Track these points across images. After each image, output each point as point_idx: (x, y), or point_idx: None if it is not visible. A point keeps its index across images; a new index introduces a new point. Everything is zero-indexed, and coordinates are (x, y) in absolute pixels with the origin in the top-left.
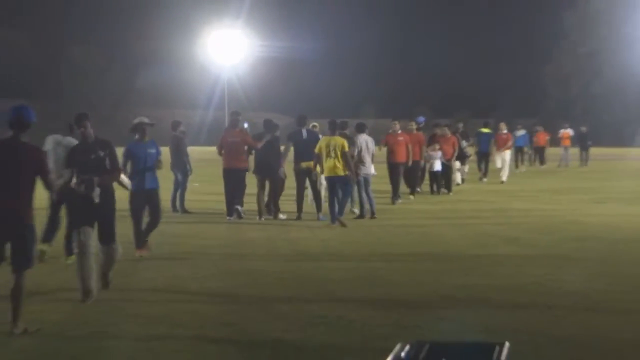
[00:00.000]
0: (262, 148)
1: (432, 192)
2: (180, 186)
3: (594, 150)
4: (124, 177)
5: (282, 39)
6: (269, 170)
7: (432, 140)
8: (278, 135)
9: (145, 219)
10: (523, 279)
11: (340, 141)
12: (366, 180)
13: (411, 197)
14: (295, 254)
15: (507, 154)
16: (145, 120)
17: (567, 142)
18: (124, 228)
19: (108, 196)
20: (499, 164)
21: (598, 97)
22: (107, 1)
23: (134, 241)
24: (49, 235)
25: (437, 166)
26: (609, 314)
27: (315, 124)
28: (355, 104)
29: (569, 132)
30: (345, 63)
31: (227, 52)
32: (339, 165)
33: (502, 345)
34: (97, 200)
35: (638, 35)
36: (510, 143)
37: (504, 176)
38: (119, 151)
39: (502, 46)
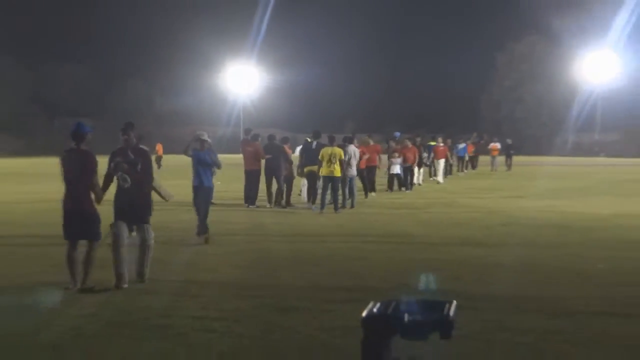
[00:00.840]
0: (269, 157)
1: (390, 190)
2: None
3: (516, 158)
4: (163, 188)
5: (283, 72)
6: (274, 171)
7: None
8: (278, 143)
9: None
10: (464, 254)
11: (338, 151)
12: (351, 180)
13: (373, 194)
14: (294, 234)
15: (442, 162)
16: (204, 136)
17: (496, 153)
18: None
19: (146, 198)
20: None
21: (521, 118)
22: (149, 42)
23: (197, 227)
24: None
25: (396, 170)
26: (531, 276)
27: (308, 138)
28: (339, 120)
29: (497, 145)
30: (331, 88)
31: (243, 83)
32: (337, 168)
33: (450, 303)
34: (126, 185)
35: (549, 73)
36: (447, 153)
37: (440, 178)
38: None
39: (450, 76)
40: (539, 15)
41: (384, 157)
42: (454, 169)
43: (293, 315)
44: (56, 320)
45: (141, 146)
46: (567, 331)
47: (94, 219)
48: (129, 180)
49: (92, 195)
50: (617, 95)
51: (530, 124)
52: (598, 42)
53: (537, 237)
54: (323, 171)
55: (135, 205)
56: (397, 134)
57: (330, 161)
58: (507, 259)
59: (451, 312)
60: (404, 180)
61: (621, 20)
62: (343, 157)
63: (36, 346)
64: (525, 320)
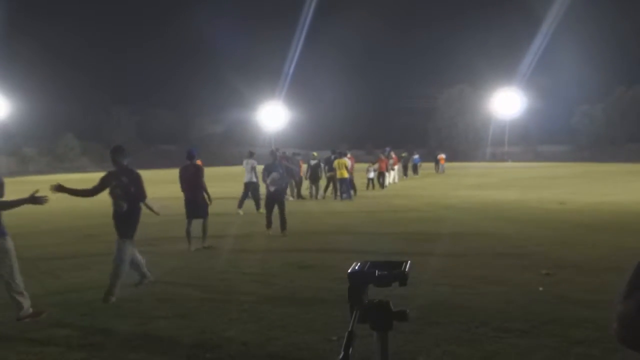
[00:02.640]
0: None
1: (367, 188)
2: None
3: (451, 163)
4: (153, 203)
5: (303, 108)
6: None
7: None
8: (295, 158)
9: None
10: (421, 229)
11: (344, 161)
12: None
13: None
14: (308, 217)
15: (395, 169)
16: (282, 152)
17: (442, 161)
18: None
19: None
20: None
21: (455, 137)
22: (210, 90)
23: (280, 225)
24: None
25: (371, 175)
26: (472, 241)
27: (315, 153)
28: (335, 140)
29: (443, 156)
30: (334, 118)
31: (272, 117)
32: (345, 172)
33: (406, 262)
34: (123, 209)
35: (474, 106)
36: (398, 164)
37: (393, 180)
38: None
39: (408, 109)
40: (465, 70)
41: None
42: (409, 172)
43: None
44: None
45: (130, 168)
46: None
47: (204, 204)
48: (125, 206)
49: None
50: (519, 120)
51: (461, 140)
52: (506, 82)
53: (469, 215)
54: (338, 175)
55: (125, 221)
56: (388, 148)
57: (340, 168)
58: (447, 230)
59: (407, 268)
60: (380, 182)
61: (522, 67)
62: (348, 165)
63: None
64: (461, 270)
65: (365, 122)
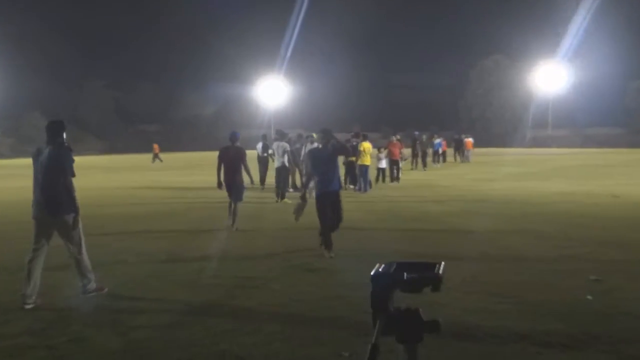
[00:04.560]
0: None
1: (376, 181)
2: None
3: (485, 149)
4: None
5: (306, 84)
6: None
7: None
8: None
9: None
10: (448, 227)
11: (368, 145)
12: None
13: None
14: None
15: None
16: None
17: (470, 146)
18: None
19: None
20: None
21: (489, 119)
22: (199, 63)
23: (322, 241)
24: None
25: (383, 164)
26: (502, 241)
27: (314, 134)
28: (348, 122)
29: (470, 139)
30: (343, 95)
31: (272, 94)
32: (368, 159)
33: (440, 264)
34: None
35: (511, 82)
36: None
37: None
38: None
39: (432, 86)
40: (501, 38)
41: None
42: (429, 160)
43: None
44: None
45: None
46: (528, 281)
47: (240, 189)
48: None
49: (242, 175)
50: (563, 99)
51: (496, 122)
52: (549, 56)
53: (505, 210)
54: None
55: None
56: (417, 133)
57: (364, 152)
58: (481, 227)
59: (440, 271)
60: (391, 173)
61: (567, 39)
62: (371, 149)
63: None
64: (498, 275)
65: (380, 100)
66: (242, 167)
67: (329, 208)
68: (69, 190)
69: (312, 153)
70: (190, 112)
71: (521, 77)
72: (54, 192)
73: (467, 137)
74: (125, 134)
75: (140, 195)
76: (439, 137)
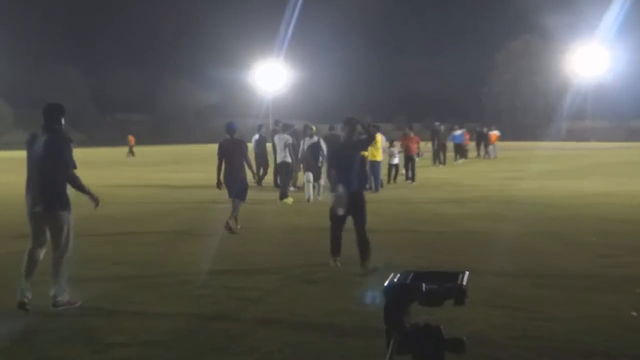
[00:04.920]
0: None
1: (389, 180)
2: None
3: (514, 144)
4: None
5: (308, 68)
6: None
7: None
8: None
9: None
10: (471, 231)
11: (379, 138)
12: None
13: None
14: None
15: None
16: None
17: (494, 139)
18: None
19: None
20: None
21: (518, 108)
22: (187, 44)
23: (359, 252)
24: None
25: (395, 160)
26: (526, 248)
27: (313, 127)
28: (358, 112)
29: (496, 133)
30: (352, 81)
31: (271, 79)
32: (379, 154)
33: (464, 273)
34: None
35: (544, 66)
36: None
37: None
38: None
39: (454, 73)
40: (532, 16)
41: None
42: (449, 155)
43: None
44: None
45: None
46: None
47: (241, 186)
48: None
49: (245, 171)
50: (605, 86)
51: (527, 112)
52: (588, 38)
53: (535, 214)
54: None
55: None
56: (437, 123)
57: (373, 146)
58: (506, 232)
59: (464, 282)
60: (406, 171)
61: (609, 18)
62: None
63: None
64: (527, 287)
65: (394, 86)
66: (244, 163)
67: (346, 211)
68: (74, 183)
69: (332, 146)
70: (178, 100)
71: (555, 61)
72: (50, 186)
73: (491, 129)
74: (104, 124)
75: (120, 194)
76: (460, 128)
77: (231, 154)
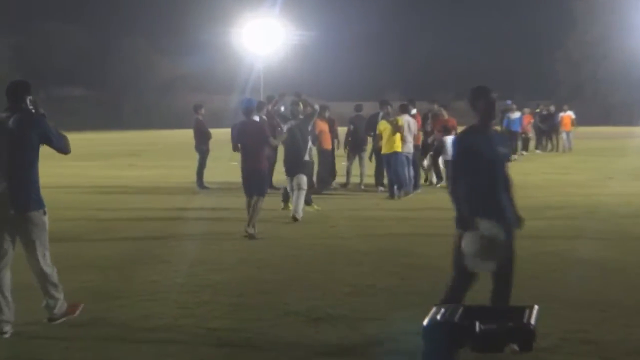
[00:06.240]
0: None
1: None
2: (200, 164)
3: (600, 130)
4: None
5: (313, 27)
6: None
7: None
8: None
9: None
10: (535, 249)
11: (401, 121)
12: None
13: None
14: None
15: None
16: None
17: (570, 127)
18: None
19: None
20: None
21: (606, 81)
22: None
23: None
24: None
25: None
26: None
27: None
28: (379, 88)
29: (571, 115)
30: (369, 49)
31: (262, 41)
32: (398, 145)
33: (531, 308)
34: None
35: (637, 22)
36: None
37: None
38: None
39: (514, 34)
40: None
41: None
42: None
43: None
44: None
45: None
46: None
47: (261, 179)
48: None
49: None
50: None
51: (617, 87)
52: None
53: (627, 228)
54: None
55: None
56: (509, 102)
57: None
58: (588, 254)
59: (532, 320)
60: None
61: None
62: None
63: None
64: (616, 329)
65: (428, 52)
66: (264, 151)
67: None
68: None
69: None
70: (136, 68)
71: None
72: (22, 180)
73: (564, 111)
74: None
75: (57, 200)
76: (517, 109)
77: (251, 139)
